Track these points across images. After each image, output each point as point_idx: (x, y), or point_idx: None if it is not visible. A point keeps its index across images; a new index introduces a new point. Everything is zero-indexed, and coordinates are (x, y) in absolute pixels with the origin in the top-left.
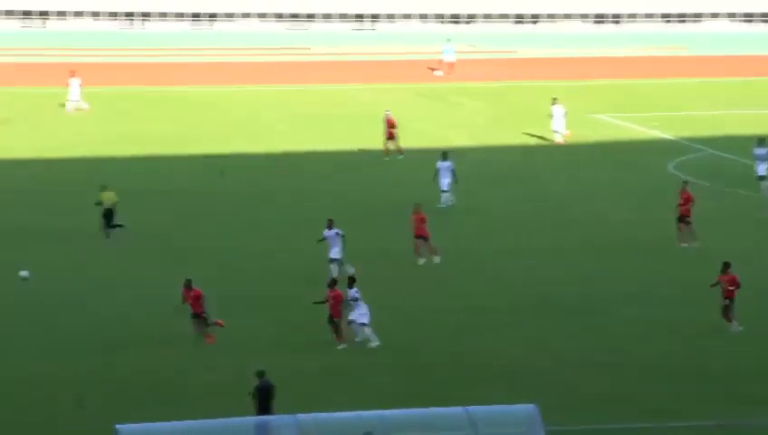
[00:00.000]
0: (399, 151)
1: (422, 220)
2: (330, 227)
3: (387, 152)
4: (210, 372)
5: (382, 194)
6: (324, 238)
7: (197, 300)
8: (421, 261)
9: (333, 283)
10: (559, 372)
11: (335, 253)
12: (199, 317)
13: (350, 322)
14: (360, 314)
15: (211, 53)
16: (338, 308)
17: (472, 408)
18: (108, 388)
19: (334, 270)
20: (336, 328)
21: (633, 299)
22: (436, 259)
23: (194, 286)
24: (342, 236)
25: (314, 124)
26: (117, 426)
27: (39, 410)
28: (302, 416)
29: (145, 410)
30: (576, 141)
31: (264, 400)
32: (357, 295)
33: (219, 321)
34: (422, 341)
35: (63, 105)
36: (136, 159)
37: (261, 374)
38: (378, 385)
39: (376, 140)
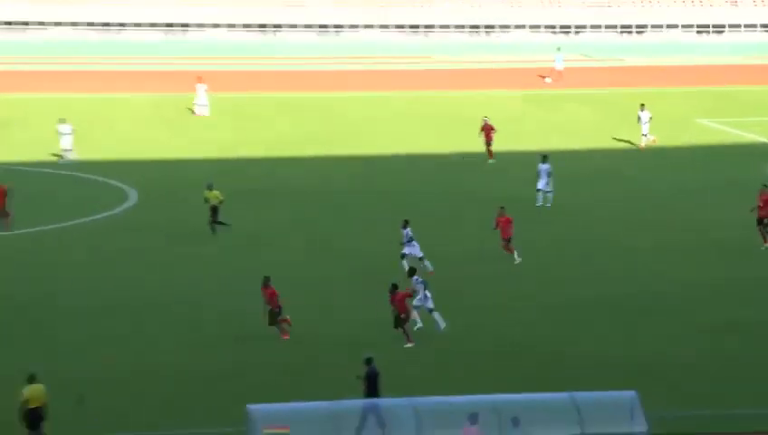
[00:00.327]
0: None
1: (508, 222)
2: (405, 227)
3: (491, 155)
4: (328, 362)
5: (485, 193)
6: (405, 240)
7: (273, 298)
8: (518, 259)
9: (394, 287)
10: (648, 364)
11: (416, 251)
12: (276, 313)
13: (417, 307)
14: (428, 299)
15: (336, 61)
16: (404, 306)
17: (576, 393)
18: (236, 376)
19: (405, 265)
20: (403, 326)
21: (713, 299)
22: (516, 260)
23: (270, 285)
24: (411, 236)
25: (431, 128)
26: (248, 406)
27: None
28: (417, 398)
29: (274, 396)
30: (677, 144)
31: (371, 384)
32: (421, 282)
33: (287, 319)
34: (517, 335)
35: (191, 109)
36: (261, 160)
37: (369, 361)
38: (480, 372)
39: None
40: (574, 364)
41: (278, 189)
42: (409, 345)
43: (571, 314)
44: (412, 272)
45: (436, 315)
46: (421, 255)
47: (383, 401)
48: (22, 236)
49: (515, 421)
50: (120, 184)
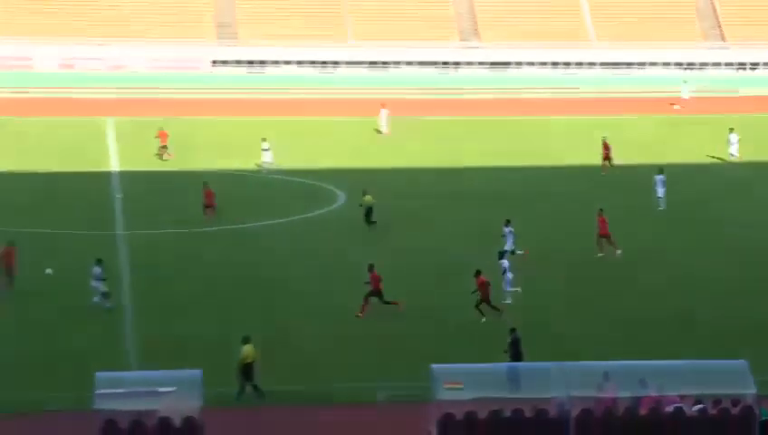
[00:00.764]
0: (607, 167)
1: (604, 222)
2: (506, 225)
3: (604, 169)
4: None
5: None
6: (504, 235)
7: (375, 280)
8: (600, 254)
9: (478, 272)
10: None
11: (509, 245)
12: (377, 294)
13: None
14: (508, 281)
15: (505, 91)
16: (487, 291)
17: (696, 361)
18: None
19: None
20: (489, 308)
21: None
22: (618, 252)
23: (374, 270)
24: (513, 232)
25: (582, 145)
26: (432, 366)
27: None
28: (564, 362)
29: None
30: None
31: (516, 349)
32: (506, 265)
33: (396, 302)
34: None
35: (378, 130)
36: (436, 170)
37: (513, 330)
38: (620, 342)
39: (623, 158)
40: (699, 332)
41: (457, 193)
42: (483, 320)
43: (698, 290)
44: (501, 255)
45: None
46: (513, 248)
47: (535, 365)
48: (260, 227)
49: (642, 382)
50: (330, 187)
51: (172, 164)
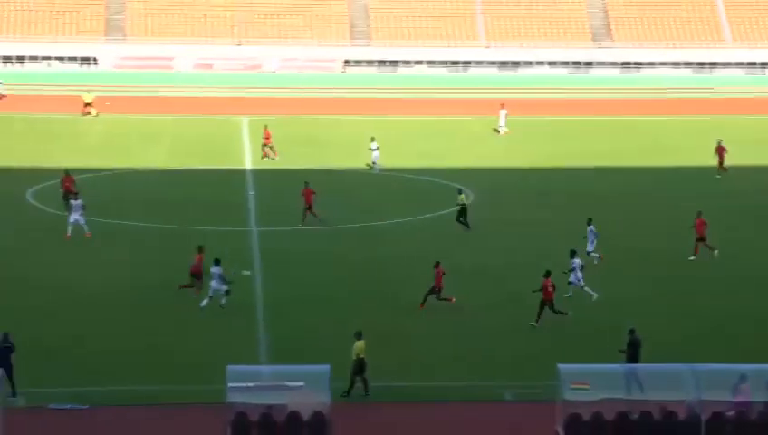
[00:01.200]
0: (723, 170)
1: (703, 224)
2: (589, 224)
3: (722, 170)
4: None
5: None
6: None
7: (438, 276)
8: (692, 258)
9: (548, 273)
10: None
11: (589, 246)
12: (437, 291)
13: (572, 283)
14: (580, 279)
15: (636, 92)
16: (550, 292)
17: None
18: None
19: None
20: (551, 310)
21: None
22: (716, 253)
23: (440, 266)
24: (596, 233)
25: (702, 144)
26: (559, 365)
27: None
28: (694, 365)
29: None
30: None
31: (634, 351)
32: (578, 264)
33: (449, 298)
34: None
35: (496, 130)
36: (557, 170)
37: (632, 332)
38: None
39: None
40: None
41: (566, 193)
42: (533, 324)
43: None
44: (573, 254)
45: (588, 289)
46: (591, 250)
47: (664, 367)
48: (386, 226)
49: None
50: (456, 185)
51: (301, 162)
